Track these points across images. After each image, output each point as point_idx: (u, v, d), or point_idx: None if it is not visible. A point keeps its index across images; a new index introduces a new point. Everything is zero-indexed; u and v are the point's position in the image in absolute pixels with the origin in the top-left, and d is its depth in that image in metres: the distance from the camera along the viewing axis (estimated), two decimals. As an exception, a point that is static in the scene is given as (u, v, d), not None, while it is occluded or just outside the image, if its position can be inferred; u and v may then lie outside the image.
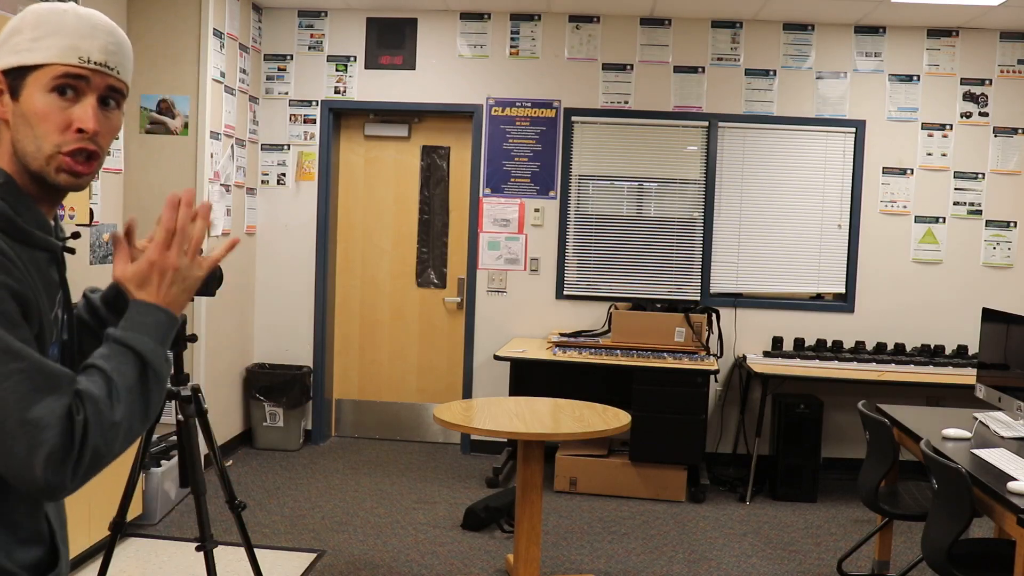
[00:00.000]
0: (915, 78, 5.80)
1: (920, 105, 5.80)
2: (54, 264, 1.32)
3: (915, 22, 5.68)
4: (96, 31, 1.27)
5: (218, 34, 5.21)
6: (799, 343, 5.81)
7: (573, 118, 5.92)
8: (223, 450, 5.62)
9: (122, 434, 1.17)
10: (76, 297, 1.46)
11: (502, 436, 3.55)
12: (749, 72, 5.85)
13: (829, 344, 5.79)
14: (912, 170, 5.83)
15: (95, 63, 1.25)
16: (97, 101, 1.27)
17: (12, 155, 1.26)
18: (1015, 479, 2.84)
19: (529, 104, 5.94)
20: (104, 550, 3.10)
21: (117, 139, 4.99)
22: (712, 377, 5.44)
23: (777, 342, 5.76)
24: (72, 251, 1.37)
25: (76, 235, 1.41)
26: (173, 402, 2.98)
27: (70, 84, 1.24)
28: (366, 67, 6.02)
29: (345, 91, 6.04)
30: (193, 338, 3.00)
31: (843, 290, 5.90)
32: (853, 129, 5.82)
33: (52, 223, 1.34)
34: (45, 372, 1.13)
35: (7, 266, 1.17)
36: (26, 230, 1.24)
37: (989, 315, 3.90)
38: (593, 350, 5.45)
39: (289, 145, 6.09)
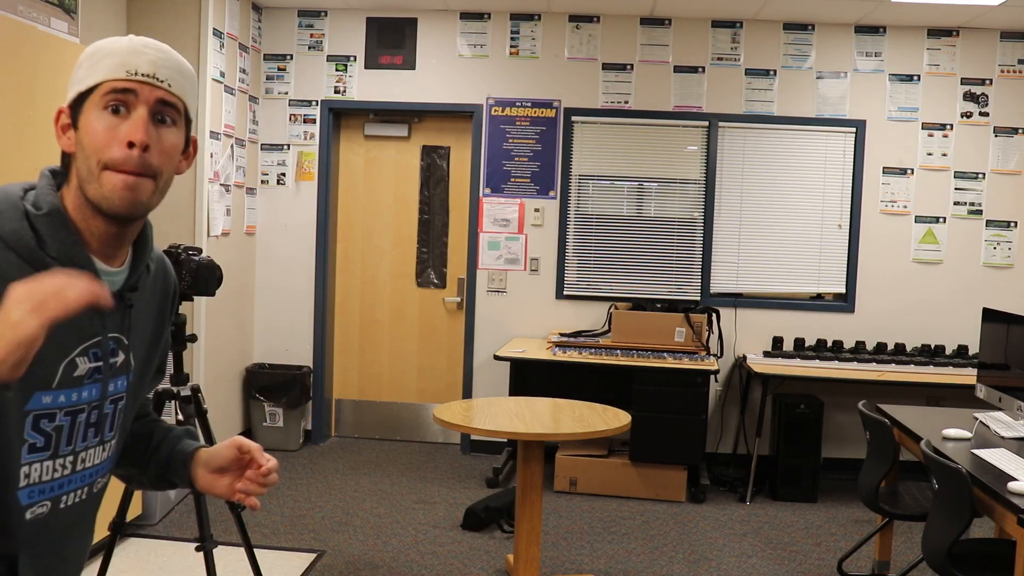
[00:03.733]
0: (915, 78, 5.80)
1: (920, 105, 5.80)
2: (96, 311, 1.26)
3: (915, 22, 5.68)
4: (147, 48, 1.26)
5: (218, 34, 5.21)
6: (799, 343, 5.81)
7: (573, 118, 5.92)
8: (223, 450, 5.61)
9: None
10: None
11: (502, 436, 3.54)
12: (749, 72, 5.85)
13: (829, 344, 5.79)
14: (912, 170, 5.83)
15: (142, 75, 1.24)
16: (149, 115, 1.24)
17: (77, 188, 1.25)
18: (1015, 479, 2.84)
19: (529, 104, 5.94)
20: (104, 550, 3.10)
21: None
22: (712, 377, 5.44)
23: (777, 342, 5.76)
24: (127, 303, 1.33)
25: (134, 288, 1.34)
26: (173, 402, 2.98)
27: (120, 100, 1.23)
28: (366, 67, 6.01)
29: (345, 91, 6.03)
30: (193, 338, 3.00)
31: (843, 290, 5.90)
32: (853, 129, 5.82)
33: (113, 265, 1.30)
34: None
35: None
36: (46, 263, 1.21)
37: (989, 315, 3.89)
38: (593, 350, 5.45)
39: (289, 145, 6.08)
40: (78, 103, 1.25)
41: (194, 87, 1.33)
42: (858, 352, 5.66)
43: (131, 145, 1.21)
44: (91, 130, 1.22)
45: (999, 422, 3.67)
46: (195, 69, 5.06)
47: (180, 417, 2.95)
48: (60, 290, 1.02)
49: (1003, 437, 3.49)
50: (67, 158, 1.28)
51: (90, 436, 1.32)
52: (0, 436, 1.09)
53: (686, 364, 5.13)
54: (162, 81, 1.25)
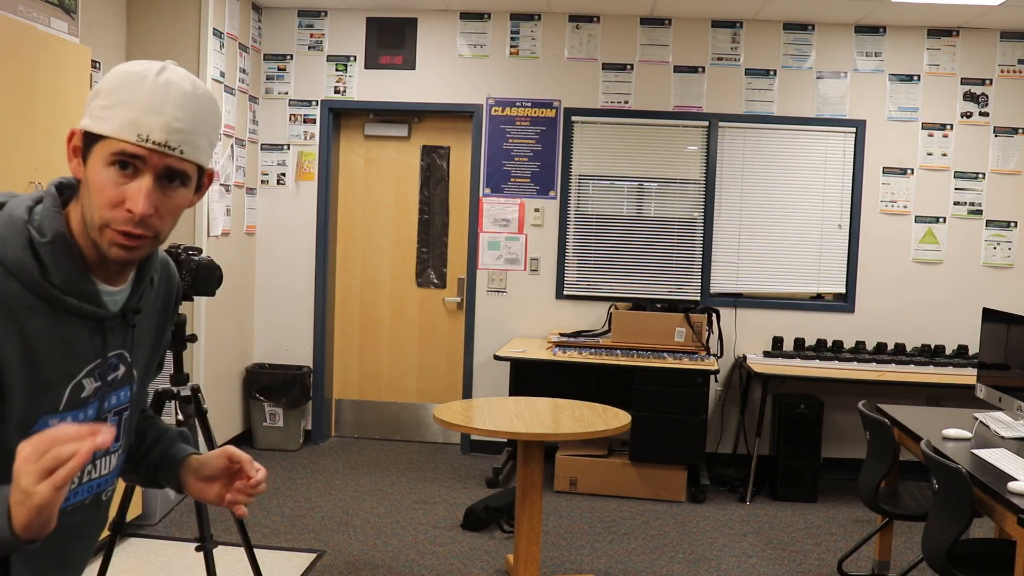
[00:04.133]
0: (915, 78, 5.80)
1: (920, 105, 5.80)
2: (98, 333, 1.28)
3: (915, 22, 5.68)
4: (165, 106, 1.19)
5: (218, 34, 5.21)
6: (799, 343, 5.81)
7: (573, 118, 5.92)
8: (223, 450, 5.61)
9: None
10: None
11: (502, 436, 3.54)
12: (749, 72, 5.85)
13: (829, 344, 5.79)
14: (912, 170, 5.82)
15: (153, 142, 1.19)
16: (155, 180, 1.21)
17: (80, 215, 1.25)
18: (1015, 479, 2.84)
19: (529, 104, 5.94)
20: (104, 550, 3.10)
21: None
22: (712, 377, 5.44)
23: (777, 342, 5.76)
24: (131, 324, 1.34)
25: (137, 310, 1.35)
26: (173, 402, 2.98)
27: (127, 160, 1.20)
28: (366, 67, 6.01)
29: (345, 91, 6.03)
30: (193, 338, 2.99)
31: (843, 290, 5.90)
32: (853, 129, 5.82)
33: (117, 285, 1.31)
34: None
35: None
36: (50, 292, 1.21)
37: (989, 315, 3.89)
38: (593, 350, 5.45)
39: (289, 145, 6.08)
40: (90, 139, 1.21)
41: (214, 132, 1.28)
42: (858, 352, 5.66)
43: (131, 211, 1.19)
44: (96, 180, 1.20)
45: (999, 422, 3.67)
46: (195, 69, 5.06)
47: (180, 417, 2.95)
48: (63, 458, 1.00)
49: (1003, 437, 3.49)
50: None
51: (97, 451, 1.31)
52: (8, 458, 1.07)
53: (686, 364, 5.13)
54: (173, 149, 1.21)
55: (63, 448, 1.00)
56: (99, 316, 1.27)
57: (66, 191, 1.28)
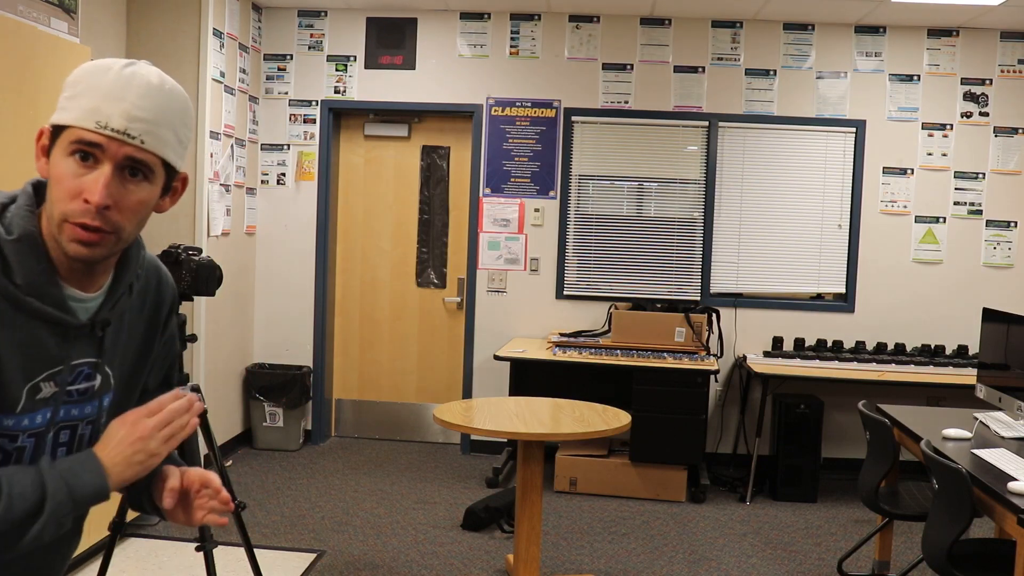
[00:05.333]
0: (915, 78, 5.80)
1: (920, 105, 5.80)
2: (63, 339, 1.24)
3: (915, 22, 5.68)
4: (127, 93, 1.16)
5: (218, 34, 5.21)
6: (799, 343, 5.81)
7: (573, 118, 5.92)
8: (223, 450, 5.62)
9: None
10: None
11: (502, 436, 3.54)
12: (749, 72, 5.85)
13: (829, 344, 5.79)
14: (912, 170, 5.83)
15: (112, 130, 1.15)
16: (114, 170, 1.17)
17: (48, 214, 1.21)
18: (1015, 479, 2.84)
19: (529, 104, 5.94)
20: (104, 550, 3.10)
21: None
22: (712, 377, 5.44)
23: (777, 342, 5.76)
24: (99, 334, 1.29)
25: (107, 322, 1.31)
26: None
27: (86, 150, 1.16)
28: (366, 67, 6.01)
29: (345, 91, 6.03)
30: (193, 338, 2.99)
31: (843, 290, 5.90)
32: (853, 129, 5.82)
33: (89, 291, 1.27)
34: None
35: None
36: (10, 291, 1.17)
37: (989, 315, 3.89)
38: (593, 350, 5.45)
39: (289, 145, 6.08)
40: (56, 132, 1.19)
41: (183, 129, 1.24)
42: (858, 352, 5.66)
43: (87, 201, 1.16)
44: (56, 173, 1.17)
45: (999, 422, 3.67)
46: (195, 69, 5.07)
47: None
48: (184, 427, 1.27)
49: (1003, 437, 3.49)
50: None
51: (60, 454, 1.29)
52: None
53: (686, 364, 5.13)
54: (133, 138, 1.16)
55: (182, 419, 1.26)
56: (62, 322, 1.23)
57: (42, 190, 1.23)
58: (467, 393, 6.08)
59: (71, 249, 1.18)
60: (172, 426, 1.25)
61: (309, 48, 6.04)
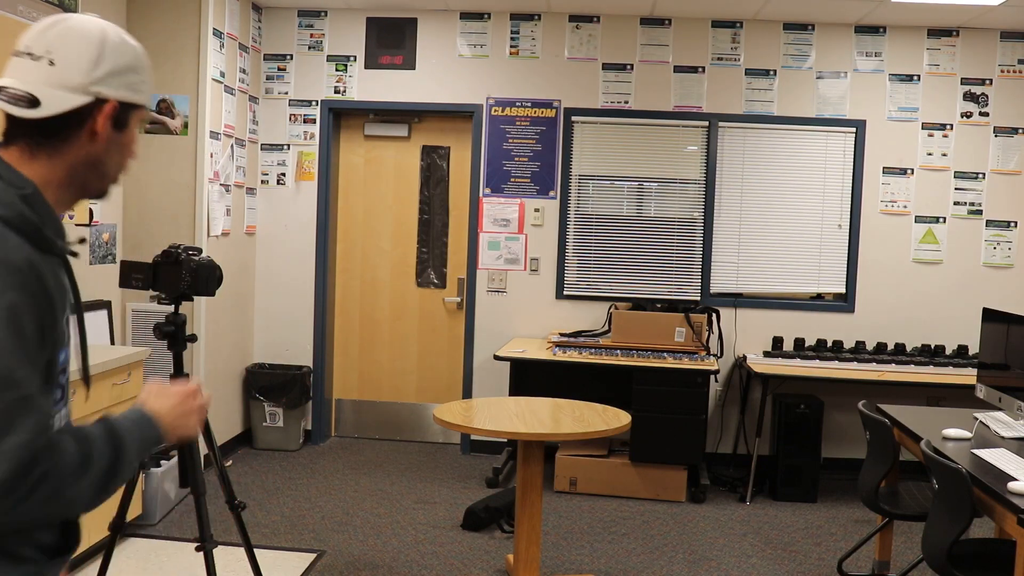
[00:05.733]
0: (915, 78, 5.80)
1: (920, 105, 5.80)
2: (63, 269, 1.34)
3: (915, 22, 5.68)
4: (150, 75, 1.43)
5: (218, 34, 5.21)
6: (799, 343, 5.81)
7: (573, 118, 5.92)
8: (223, 450, 5.62)
9: (62, 507, 1.21)
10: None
11: (502, 436, 3.54)
12: (749, 72, 5.85)
13: (829, 344, 5.79)
14: (912, 170, 5.83)
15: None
16: None
17: (53, 168, 1.32)
18: (1015, 479, 2.84)
19: (529, 104, 5.93)
20: (104, 550, 3.10)
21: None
22: (712, 377, 5.44)
23: (777, 342, 5.76)
24: (76, 255, 1.38)
25: (83, 240, 1.47)
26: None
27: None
28: (366, 67, 6.01)
29: (345, 91, 6.03)
30: (193, 338, 2.99)
31: (843, 290, 5.90)
32: (853, 129, 5.82)
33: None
34: (30, 408, 1.17)
35: (35, 289, 1.21)
36: (50, 240, 1.27)
37: (989, 315, 3.89)
38: (593, 350, 5.45)
39: (289, 145, 6.08)
40: (130, 108, 1.37)
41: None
42: (858, 352, 5.66)
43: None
44: (129, 140, 1.40)
45: (999, 422, 3.67)
46: (195, 69, 5.08)
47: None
48: (205, 407, 1.55)
49: (1003, 437, 3.49)
50: (59, 132, 1.31)
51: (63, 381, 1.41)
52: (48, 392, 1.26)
53: (686, 364, 5.13)
54: None
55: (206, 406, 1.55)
56: (68, 257, 1.35)
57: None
58: (467, 393, 6.08)
59: (106, 193, 1.44)
60: (203, 413, 1.53)
61: (309, 48, 6.04)
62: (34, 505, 1.16)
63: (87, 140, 1.33)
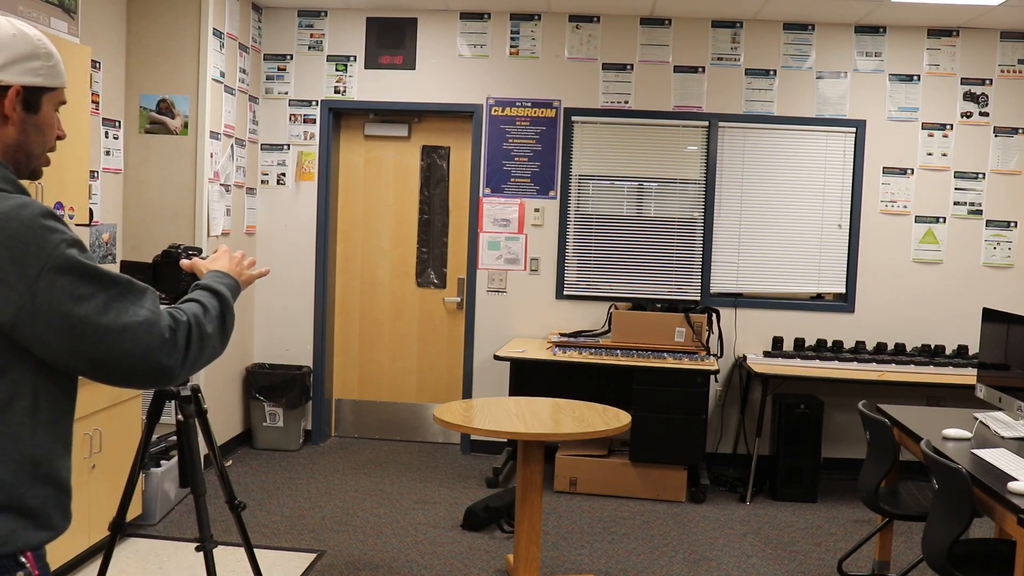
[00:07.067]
0: (915, 78, 5.80)
1: (920, 105, 5.80)
2: None
3: (915, 22, 5.68)
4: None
5: (218, 34, 5.21)
6: (799, 343, 5.81)
7: (573, 118, 5.92)
8: (223, 450, 5.62)
9: (210, 346, 1.59)
10: None
11: (502, 436, 3.54)
12: (749, 72, 5.85)
13: (829, 344, 5.79)
14: (912, 170, 5.83)
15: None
16: None
17: (4, 151, 1.52)
18: (1015, 479, 2.84)
19: (529, 104, 5.93)
20: (104, 550, 3.10)
21: (117, 139, 5.00)
22: (712, 377, 5.44)
23: (777, 342, 5.76)
24: None
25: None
26: (173, 402, 2.98)
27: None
28: (366, 67, 6.01)
29: (345, 91, 6.03)
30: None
31: (843, 290, 5.90)
32: (853, 129, 5.82)
33: None
34: (137, 287, 1.47)
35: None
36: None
37: (989, 315, 3.89)
38: (593, 350, 5.45)
39: (289, 145, 6.08)
40: (38, 91, 1.52)
41: None
42: (858, 352, 5.66)
43: (59, 137, 1.60)
44: (50, 122, 1.57)
45: (999, 422, 3.67)
46: (195, 69, 5.08)
47: (180, 417, 2.95)
48: (253, 262, 2.02)
49: (1003, 437, 3.49)
50: None
51: None
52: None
53: (686, 364, 5.13)
54: None
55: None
56: None
57: None
58: (467, 393, 6.08)
59: (41, 169, 1.60)
60: (252, 266, 2.04)
61: (309, 48, 6.04)
62: (194, 354, 1.54)
63: (2, 124, 1.51)
